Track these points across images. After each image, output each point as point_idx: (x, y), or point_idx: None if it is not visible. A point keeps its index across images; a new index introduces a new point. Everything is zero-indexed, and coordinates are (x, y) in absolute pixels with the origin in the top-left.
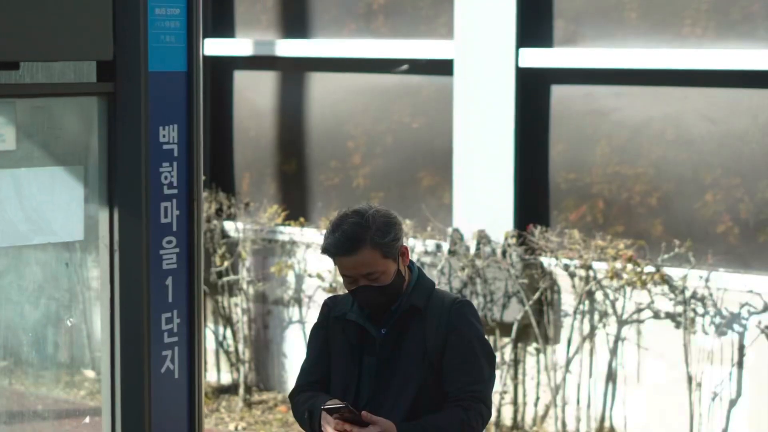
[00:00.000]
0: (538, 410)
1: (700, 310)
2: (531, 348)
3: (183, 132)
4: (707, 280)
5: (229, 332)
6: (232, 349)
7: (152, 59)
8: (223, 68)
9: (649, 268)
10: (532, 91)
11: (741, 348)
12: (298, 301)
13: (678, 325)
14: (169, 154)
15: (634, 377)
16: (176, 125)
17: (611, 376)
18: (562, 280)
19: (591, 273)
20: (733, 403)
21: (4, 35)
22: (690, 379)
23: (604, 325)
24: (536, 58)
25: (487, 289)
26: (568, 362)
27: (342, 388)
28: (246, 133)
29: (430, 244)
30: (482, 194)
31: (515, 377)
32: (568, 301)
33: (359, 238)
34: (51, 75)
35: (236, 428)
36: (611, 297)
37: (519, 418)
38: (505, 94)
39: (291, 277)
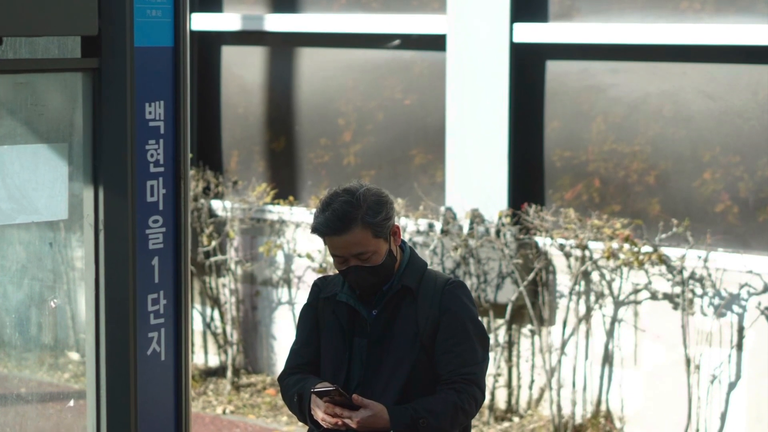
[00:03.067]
0: (533, 393)
1: (698, 291)
2: (525, 330)
3: (170, 109)
4: (706, 260)
5: (216, 313)
6: (219, 330)
7: (138, 34)
8: (210, 43)
9: (647, 248)
10: (527, 67)
11: (740, 330)
12: (288, 282)
13: (676, 307)
14: (155, 131)
15: (631, 359)
16: (163, 102)
17: (608, 359)
18: (558, 260)
19: (587, 253)
20: (732, 386)
21: None
22: (688, 362)
23: (601, 306)
24: (531, 33)
25: (481, 270)
26: (564, 344)
27: (332, 370)
28: (234, 109)
29: (423, 224)
30: (476, 172)
31: (509, 360)
32: (563, 281)
33: (350, 218)
34: (34, 50)
35: (224, 411)
36: (608, 277)
37: (513, 401)
38: (499, 70)
39: (280, 257)
